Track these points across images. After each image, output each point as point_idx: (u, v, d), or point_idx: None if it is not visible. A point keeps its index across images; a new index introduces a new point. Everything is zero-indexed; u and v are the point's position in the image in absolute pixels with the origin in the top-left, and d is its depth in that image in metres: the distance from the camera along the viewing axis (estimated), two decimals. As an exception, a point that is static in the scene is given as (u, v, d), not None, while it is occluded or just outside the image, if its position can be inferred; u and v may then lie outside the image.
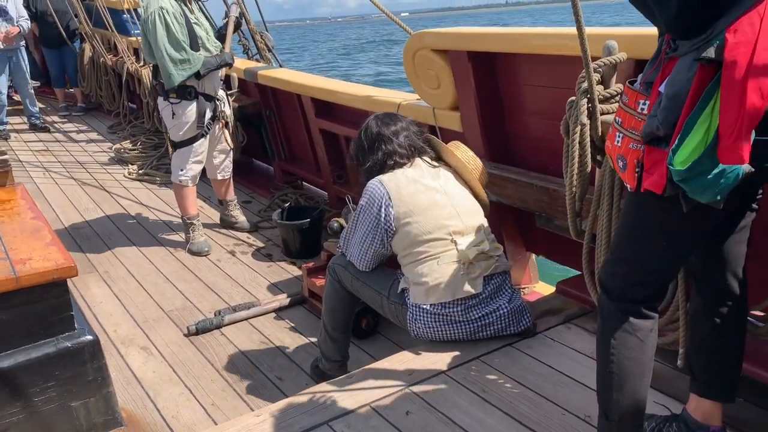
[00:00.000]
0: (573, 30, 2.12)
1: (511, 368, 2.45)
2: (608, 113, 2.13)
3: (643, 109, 1.59)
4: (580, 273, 2.74)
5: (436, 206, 2.57)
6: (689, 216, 1.55)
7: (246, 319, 3.40)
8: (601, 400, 1.84)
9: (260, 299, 3.56)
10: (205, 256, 4.22)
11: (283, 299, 3.54)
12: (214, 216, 4.88)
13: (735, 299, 1.79)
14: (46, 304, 2.18)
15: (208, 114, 4.11)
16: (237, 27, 4.46)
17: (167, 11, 3.83)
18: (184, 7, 3.97)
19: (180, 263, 4.14)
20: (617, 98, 2.14)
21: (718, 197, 1.43)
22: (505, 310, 2.57)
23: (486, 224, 2.68)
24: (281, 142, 5.36)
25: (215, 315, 3.38)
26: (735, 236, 1.74)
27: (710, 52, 1.38)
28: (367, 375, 2.46)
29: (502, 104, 3.08)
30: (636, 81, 1.67)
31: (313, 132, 4.74)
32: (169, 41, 3.83)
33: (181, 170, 4.19)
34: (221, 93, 4.25)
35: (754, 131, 1.38)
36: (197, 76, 3.95)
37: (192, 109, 4.05)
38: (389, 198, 2.57)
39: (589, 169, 2.25)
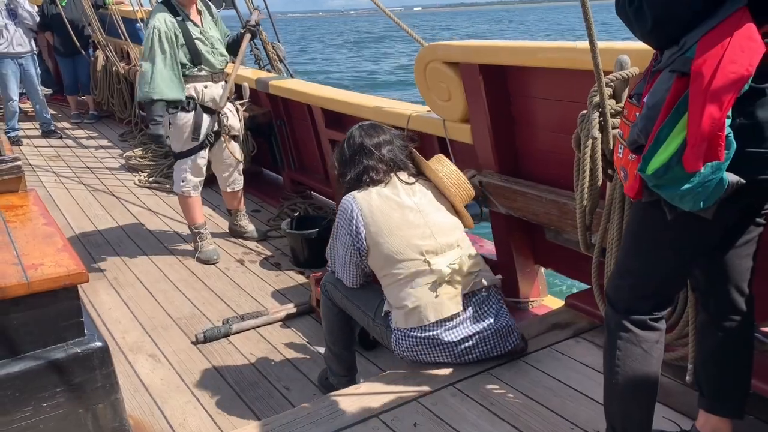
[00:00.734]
0: (584, 44, 2.13)
1: (519, 381, 2.44)
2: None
3: None
4: (589, 287, 2.73)
5: (409, 226, 2.52)
6: (685, 226, 1.57)
7: (254, 327, 3.40)
8: (607, 412, 1.84)
9: (268, 308, 3.56)
10: (214, 264, 4.24)
11: (291, 308, 3.54)
12: (223, 225, 4.89)
13: (740, 314, 1.78)
14: (57, 309, 2.18)
15: (207, 127, 4.11)
16: (253, 36, 4.46)
17: (159, 30, 3.84)
18: (187, 22, 3.97)
19: (189, 271, 4.15)
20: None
21: (701, 205, 1.45)
22: (490, 331, 2.49)
23: (466, 240, 2.62)
24: (291, 151, 5.38)
25: (223, 323, 3.39)
26: (738, 250, 1.74)
27: (682, 64, 1.43)
28: (375, 386, 2.46)
29: (513, 117, 3.09)
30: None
31: (322, 142, 4.76)
32: (149, 59, 3.84)
33: (182, 181, 4.22)
34: (229, 105, 4.25)
35: (741, 142, 1.41)
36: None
37: (187, 120, 4.03)
38: (361, 216, 2.53)
39: (600, 182, 2.25)
